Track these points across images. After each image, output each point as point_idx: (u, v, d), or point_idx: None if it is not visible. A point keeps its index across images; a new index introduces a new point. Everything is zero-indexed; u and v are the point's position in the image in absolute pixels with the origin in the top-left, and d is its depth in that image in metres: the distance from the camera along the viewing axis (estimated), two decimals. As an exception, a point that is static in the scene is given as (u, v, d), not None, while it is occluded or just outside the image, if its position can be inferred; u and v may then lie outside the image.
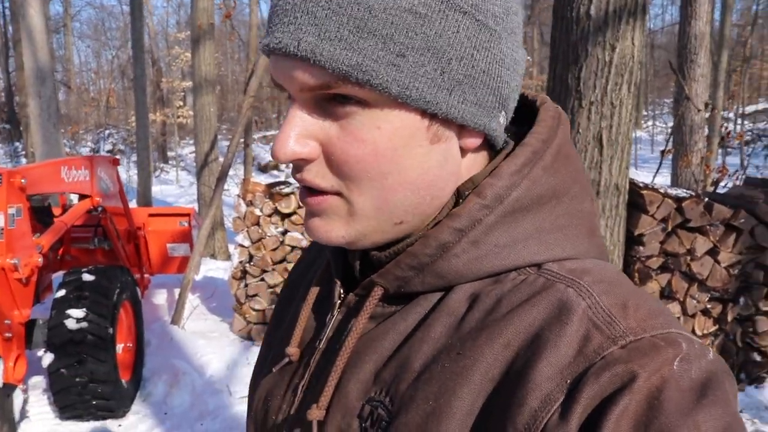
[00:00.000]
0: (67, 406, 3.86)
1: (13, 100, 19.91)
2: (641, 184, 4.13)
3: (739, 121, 16.97)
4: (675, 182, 7.18)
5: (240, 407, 4.15)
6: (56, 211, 4.76)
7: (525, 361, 0.52)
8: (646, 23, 4.14)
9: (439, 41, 0.53)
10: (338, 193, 0.59)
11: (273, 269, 5.06)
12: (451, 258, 0.58)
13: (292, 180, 9.49)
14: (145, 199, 10.30)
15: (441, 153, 0.58)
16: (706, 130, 7.36)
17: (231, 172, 8.20)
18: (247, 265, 5.13)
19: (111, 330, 3.91)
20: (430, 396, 0.55)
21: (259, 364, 0.81)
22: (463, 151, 0.60)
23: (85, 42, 36.02)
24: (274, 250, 5.04)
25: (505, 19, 0.58)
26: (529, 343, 0.52)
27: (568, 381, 0.49)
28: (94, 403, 3.86)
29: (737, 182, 6.28)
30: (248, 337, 5.19)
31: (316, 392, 0.65)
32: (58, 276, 5.05)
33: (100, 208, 4.72)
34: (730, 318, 4.26)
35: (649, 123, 26.03)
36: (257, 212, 5.04)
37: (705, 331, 4.22)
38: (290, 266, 5.01)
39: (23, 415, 3.96)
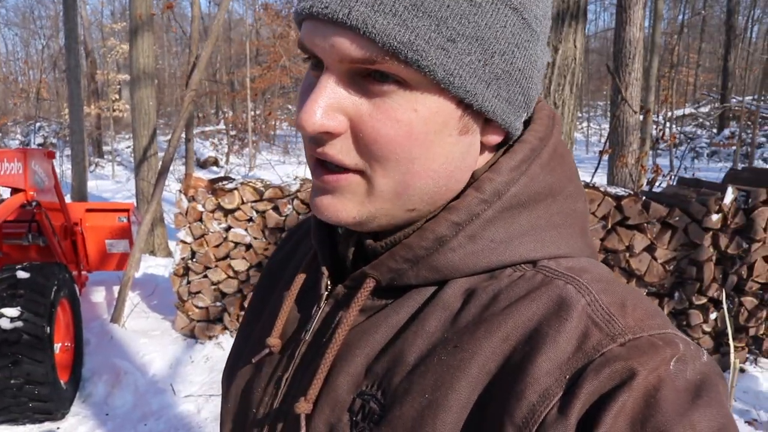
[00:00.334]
0: (1, 409, 3.69)
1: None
2: (582, 182, 4.25)
3: (669, 124, 17.68)
4: (611, 181, 7.43)
5: (184, 407, 4.07)
6: (-14, 205, 4.55)
7: (523, 355, 0.52)
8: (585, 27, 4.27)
9: (488, 32, 0.53)
10: (360, 172, 0.57)
11: (216, 266, 4.98)
12: (447, 252, 0.58)
13: (233, 175, 9.30)
14: (81, 194, 9.95)
15: (466, 145, 0.58)
16: (640, 132, 7.64)
17: (171, 168, 8.02)
18: (190, 261, 5.03)
19: (48, 329, 3.76)
20: (426, 389, 0.54)
21: (235, 354, 0.78)
22: (483, 146, 0.60)
23: (13, 30, 34.50)
24: (217, 246, 4.95)
25: (543, 22, 0.58)
26: (527, 337, 0.52)
27: (567, 376, 0.49)
28: (30, 405, 3.71)
29: (671, 182, 6.54)
30: (191, 335, 5.09)
31: (303, 385, 0.64)
32: (-11, 273, 4.83)
33: (34, 203, 4.53)
34: (666, 312, 4.44)
35: (584, 124, 26.81)
36: (200, 208, 4.94)
37: (641, 325, 4.38)
38: (234, 263, 4.94)
39: (-48, 419, 3.78)
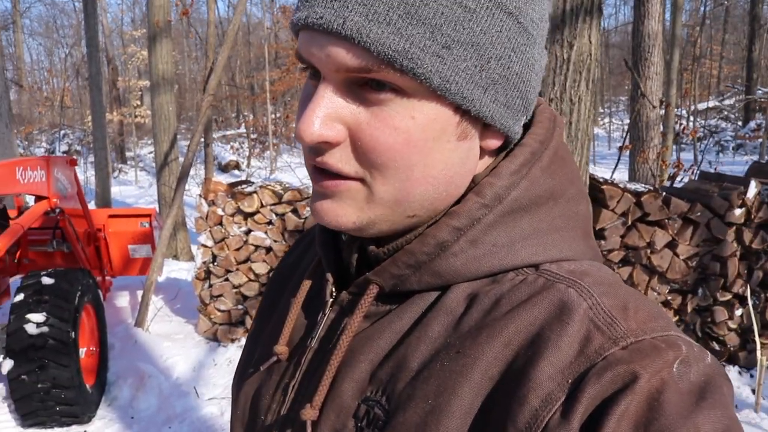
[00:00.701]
0: (29, 413, 3.76)
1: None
2: (601, 180, 4.22)
3: (692, 118, 17.44)
4: (632, 177, 7.35)
5: (208, 409, 4.11)
6: (11, 213, 4.64)
7: (526, 360, 0.51)
8: (602, 22, 4.23)
9: (483, 38, 0.53)
10: (360, 179, 0.57)
11: (237, 269, 5.02)
12: (449, 257, 0.58)
13: (253, 179, 9.39)
14: (104, 200, 10.10)
15: (465, 151, 0.58)
16: (662, 127, 7.55)
17: (191, 172, 8.10)
18: (211, 265, 5.08)
19: (73, 334, 3.82)
20: (429, 394, 0.54)
21: (244, 362, 0.79)
22: (483, 151, 0.60)
23: (37, 40, 35.11)
24: (237, 249, 4.99)
25: (540, 24, 0.58)
26: (529, 342, 0.52)
27: (570, 381, 0.49)
28: (57, 409, 3.77)
29: (692, 177, 6.46)
30: (214, 338, 5.14)
31: (309, 392, 0.64)
32: (15, 280, 4.92)
33: (57, 210, 4.61)
34: (689, 309, 4.38)
35: (606, 120, 26.56)
36: (219, 212, 4.98)
37: (664, 322, 4.33)
38: (254, 266, 4.97)
39: (-18, 423, 3.86)
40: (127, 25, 28.51)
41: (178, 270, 7.42)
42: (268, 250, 4.96)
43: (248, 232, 4.97)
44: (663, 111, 7.57)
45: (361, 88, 0.54)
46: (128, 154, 21.93)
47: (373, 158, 0.55)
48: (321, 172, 0.58)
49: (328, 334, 0.66)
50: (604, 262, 0.64)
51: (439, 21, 0.51)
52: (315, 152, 0.57)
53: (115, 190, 13.98)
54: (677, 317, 4.39)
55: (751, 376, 4.35)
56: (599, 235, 4.09)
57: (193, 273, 5.26)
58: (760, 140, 15.87)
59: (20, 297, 3.84)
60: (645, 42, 7.31)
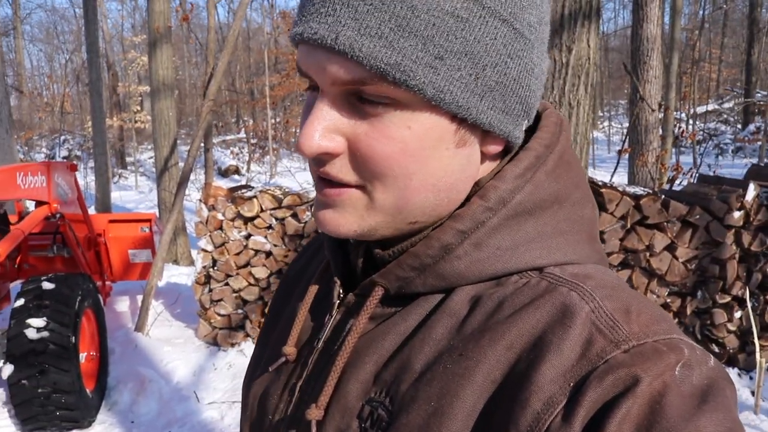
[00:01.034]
0: (29, 418, 3.77)
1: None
2: (600, 183, 4.23)
3: (691, 121, 17.46)
4: (632, 180, 7.36)
5: (208, 413, 4.11)
6: (12, 218, 4.65)
7: (528, 363, 0.52)
8: (600, 26, 4.25)
9: (477, 47, 0.53)
10: (361, 187, 0.58)
11: (237, 273, 5.02)
12: (453, 259, 0.59)
13: (253, 184, 9.39)
14: (105, 205, 10.11)
15: (465, 157, 0.58)
16: (661, 130, 7.56)
17: (192, 177, 8.11)
18: (211, 269, 5.08)
19: (73, 339, 3.83)
20: (432, 396, 0.55)
21: (254, 363, 0.80)
22: (483, 156, 0.61)
23: (37, 46, 35.19)
24: (237, 254, 5.00)
25: (538, 28, 0.58)
26: (531, 345, 0.53)
27: (571, 384, 0.49)
28: (58, 414, 3.77)
29: (691, 180, 6.47)
30: (214, 343, 5.14)
31: (315, 392, 0.65)
32: (15, 285, 4.93)
33: (58, 215, 4.62)
34: (688, 311, 4.39)
35: (605, 124, 26.58)
36: (220, 217, 4.99)
37: (664, 325, 4.34)
38: (254, 270, 4.98)
39: (-18, 428, 3.86)
40: (128, 30, 28.58)
41: (179, 275, 7.43)
42: (268, 254, 4.96)
43: (248, 236, 4.98)
44: (662, 114, 7.58)
45: (359, 100, 0.55)
46: (128, 159, 21.95)
47: (372, 168, 0.56)
48: (324, 182, 0.60)
49: (334, 336, 0.67)
50: (604, 265, 0.65)
51: (431, 32, 0.51)
52: (317, 163, 0.59)
53: (116, 195, 13.99)
54: (676, 320, 4.39)
55: (751, 378, 4.35)
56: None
57: (193, 277, 5.27)
58: (759, 143, 15.88)
59: (21, 302, 3.85)
60: (644, 46, 7.33)
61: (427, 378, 0.56)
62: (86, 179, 15.65)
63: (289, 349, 0.70)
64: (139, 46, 21.19)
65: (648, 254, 4.27)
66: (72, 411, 3.81)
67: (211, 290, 5.10)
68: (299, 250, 0.90)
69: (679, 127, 10.63)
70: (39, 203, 4.56)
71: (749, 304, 4.26)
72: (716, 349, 4.47)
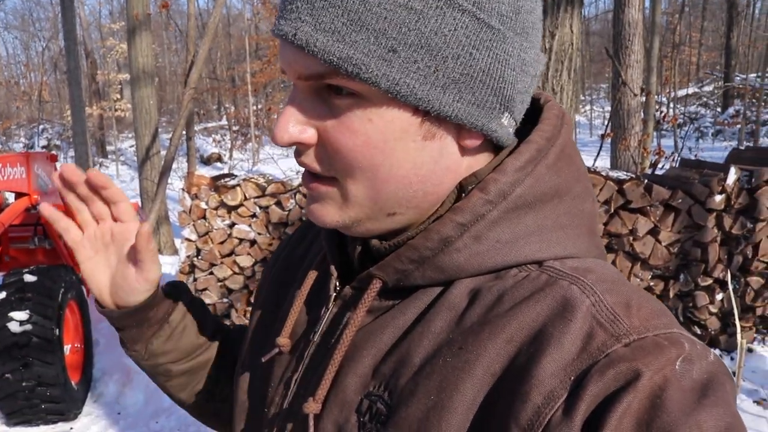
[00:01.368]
0: (14, 412, 3.74)
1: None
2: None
3: (672, 105, 17.58)
4: (614, 165, 7.40)
5: (194, 403, 4.11)
6: (-8, 210, 4.58)
7: (528, 357, 0.52)
8: (582, 10, 4.26)
9: (435, 38, 0.53)
10: (334, 179, 0.60)
11: (221, 263, 5.00)
12: (452, 252, 0.58)
13: (236, 171, 9.32)
14: (85, 195, 10.00)
15: (435, 150, 0.58)
16: (642, 114, 7.60)
17: (174, 166, 8.04)
18: (195, 259, 5.05)
19: (57, 331, 3.79)
20: (431, 390, 0.55)
21: (249, 350, 0.80)
22: (463, 150, 0.60)
23: (12, 33, 34.61)
24: (221, 243, 4.97)
25: (514, 18, 0.56)
26: (532, 339, 0.53)
27: (572, 378, 0.49)
28: (43, 407, 3.75)
29: (673, 164, 6.52)
30: (199, 333, 5.12)
31: (312, 386, 0.65)
32: (-4, 278, 4.87)
33: (39, 206, 4.56)
34: (671, 294, 4.44)
35: (587, 108, 26.70)
36: (203, 205, 4.96)
37: (647, 308, 4.39)
38: (239, 259, 4.96)
39: (-34, 423, 3.82)
40: (106, 17, 28.17)
41: (162, 264, 7.37)
42: (253, 243, 4.94)
43: (232, 225, 4.95)
44: (644, 98, 7.62)
45: (327, 93, 0.57)
46: (109, 148, 21.72)
47: (338, 159, 0.58)
48: (308, 176, 0.62)
49: (331, 329, 0.67)
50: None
51: (383, 25, 0.52)
52: (297, 153, 0.61)
53: (97, 185, 13.83)
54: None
55: (732, 359, 4.42)
56: (582, 223, 4.13)
57: (177, 267, 5.24)
58: (739, 126, 16.06)
59: (2, 295, 3.81)
60: (625, 30, 7.35)
61: (427, 371, 0.56)
62: (66, 169, 15.43)
63: (284, 341, 0.69)
64: (117, 34, 20.90)
65: (631, 238, 4.31)
66: (57, 404, 3.78)
67: (195, 280, 5.07)
68: (298, 230, 0.89)
69: (661, 111, 10.71)
70: (19, 195, 4.50)
71: (730, 287, 4.30)
72: (698, 331, 4.53)
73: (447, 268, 0.59)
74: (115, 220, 0.81)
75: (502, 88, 0.57)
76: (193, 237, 5.02)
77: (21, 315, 3.69)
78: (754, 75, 19.02)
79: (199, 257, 5.04)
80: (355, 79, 0.53)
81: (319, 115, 0.58)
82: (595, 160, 6.15)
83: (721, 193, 4.28)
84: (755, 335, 4.65)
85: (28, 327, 3.67)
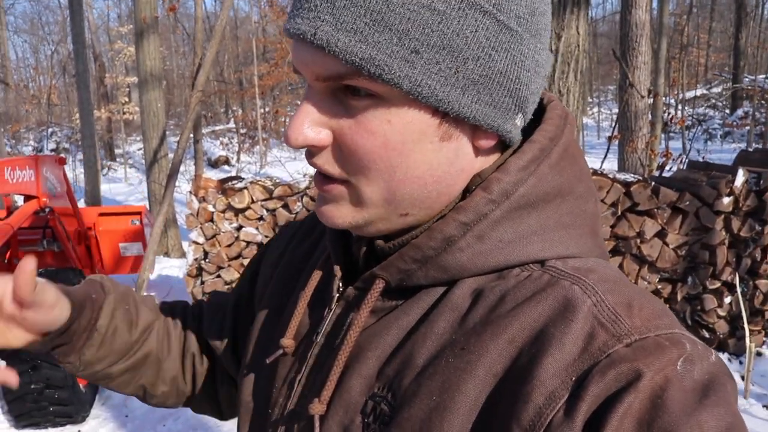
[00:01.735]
0: (22, 414, 3.76)
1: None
2: (591, 170, 4.24)
3: (680, 106, 17.51)
4: (622, 167, 7.38)
5: (202, 406, 4.12)
6: (0, 213, 4.61)
7: (530, 357, 0.52)
8: (589, 12, 4.24)
9: (456, 40, 0.53)
10: (347, 181, 0.59)
11: (229, 265, 5.01)
12: (455, 252, 0.58)
13: (244, 174, 9.34)
14: (94, 198, 10.05)
15: (452, 151, 0.58)
16: (650, 116, 7.58)
17: (181, 169, 8.07)
18: (203, 262, 5.07)
19: (65, 334, 3.81)
20: (433, 391, 0.55)
21: (252, 351, 0.79)
22: (477, 150, 0.60)
23: (22, 37, 34.83)
24: (229, 246, 4.99)
25: (530, 20, 0.56)
26: (533, 339, 0.53)
27: (573, 378, 0.49)
28: (51, 409, 3.77)
29: (681, 166, 6.49)
30: (207, 335, 5.13)
31: (317, 387, 0.65)
32: (5, 281, 4.89)
33: (47, 209, 4.58)
34: (679, 297, 4.42)
35: (595, 110, 26.62)
36: (210, 208, 4.98)
37: (655, 311, 4.37)
38: (246, 262, 4.96)
39: (-25, 425, 3.85)
40: (114, 21, 28.30)
41: (170, 267, 7.41)
42: (260, 245, 4.95)
43: (239, 228, 4.96)
44: (651, 100, 7.60)
45: (344, 93, 0.56)
46: (117, 151, 21.80)
47: (355, 161, 0.57)
48: (320, 177, 0.61)
49: (335, 330, 0.67)
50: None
51: (407, 26, 0.51)
52: (309, 155, 0.60)
53: (105, 188, 13.91)
54: (667, 306, 4.43)
55: (741, 362, 4.40)
56: (589, 225, 4.12)
57: (184, 270, 5.25)
58: (748, 128, 15.97)
59: (11, 298, 3.82)
60: (633, 31, 7.33)
61: (429, 372, 0.56)
62: (75, 172, 15.54)
63: (288, 341, 0.70)
64: (125, 37, 20.99)
65: (639, 241, 4.29)
66: (65, 406, 3.80)
67: (203, 282, 5.09)
68: (295, 224, 0.89)
69: (668, 113, 10.67)
70: (28, 197, 4.52)
71: (739, 290, 4.29)
72: (707, 335, 4.51)
73: (450, 267, 0.59)
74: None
75: (518, 89, 0.57)
76: (201, 240, 5.03)
77: (29, 318, 3.71)
78: (763, 76, 18.91)
79: (207, 260, 5.05)
80: (376, 80, 0.53)
81: (335, 115, 0.57)
82: (602, 162, 6.13)
83: (729, 195, 4.26)
84: (764, 339, 4.62)
85: (37, 329, 3.69)
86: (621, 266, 4.27)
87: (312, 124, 0.57)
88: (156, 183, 8.17)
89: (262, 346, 0.78)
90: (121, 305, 0.89)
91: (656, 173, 6.50)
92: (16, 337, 0.77)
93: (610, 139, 6.25)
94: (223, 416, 1.02)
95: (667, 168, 6.40)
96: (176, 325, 0.98)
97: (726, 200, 4.25)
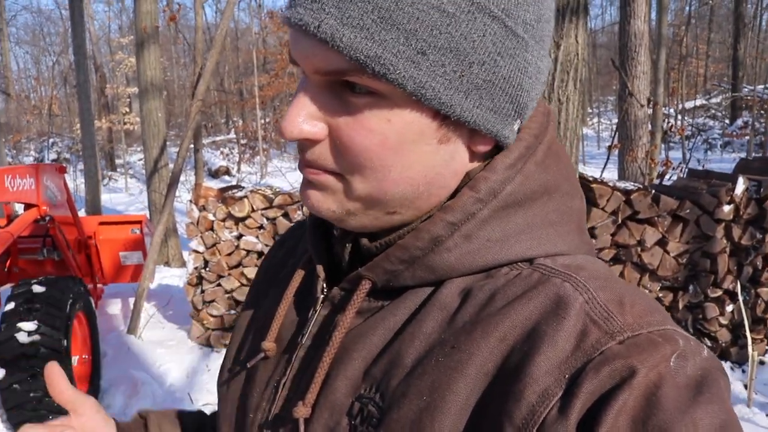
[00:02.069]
0: (21, 422, 3.74)
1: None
2: (591, 178, 4.24)
3: (679, 116, 17.54)
4: (622, 176, 7.39)
5: (201, 415, 4.10)
6: (0, 222, 4.61)
7: (522, 355, 0.51)
8: (588, 22, 4.27)
9: (464, 43, 0.52)
10: (339, 175, 0.58)
11: (229, 274, 5.01)
12: (443, 252, 0.58)
13: (244, 184, 9.36)
14: (94, 207, 10.05)
15: (448, 153, 0.57)
16: (650, 125, 7.59)
17: (182, 178, 8.08)
18: (203, 270, 5.06)
19: (65, 342, 3.80)
20: (423, 391, 0.54)
21: (231, 357, 0.78)
22: (473, 154, 0.59)
23: (23, 48, 34.97)
24: (229, 254, 4.98)
25: (536, 26, 0.56)
26: (525, 337, 0.52)
27: (567, 376, 0.49)
28: (50, 418, 3.74)
29: (681, 175, 6.50)
30: (207, 344, 5.12)
31: (301, 389, 0.63)
32: (5, 289, 4.88)
33: (47, 218, 4.58)
34: (680, 306, 4.41)
35: (595, 120, 26.68)
36: (210, 217, 4.98)
37: (656, 319, 4.36)
38: (246, 271, 4.96)
39: (-26, 434, 3.83)
40: (115, 32, 28.40)
41: (170, 276, 7.40)
42: (260, 254, 4.95)
43: (239, 236, 4.96)
44: (651, 110, 7.62)
45: (342, 89, 0.55)
46: (118, 161, 21.84)
47: (350, 159, 0.56)
48: (306, 161, 0.60)
49: (320, 331, 0.66)
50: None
51: (415, 26, 0.50)
52: (300, 148, 0.59)
53: (105, 198, 13.92)
54: (669, 314, 4.42)
55: (743, 371, 4.38)
56: (590, 233, 4.11)
57: (184, 279, 5.25)
58: (747, 138, 16.00)
59: (11, 306, 3.81)
60: (632, 42, 7.36)
61: (418, 372, 0.55)
62: (76, 182, 15.55)
63: (269, 345, 0.68)
64: (126, 48, 21.07)
65: (639, 249, 4.28)
66: (65, 415, 3.77)
67: (203, 291, 5.08)
68: (277, 241, 0.88)
69: (668, 123, 10.68)
70: (28, 206, 4.52)
71: (741, 298, 4.28)
72: (709, 343, 4.49)
73: (437, 267, 0.58)
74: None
75: (519, 95, 0.57)
76: (201, 249, 5.03)
77: (29, 326, 3.70)
78: (762, 86, 18.97)
79: (207, 269, 5.04)
80: (381, 79, 0.52)
81: (332, 110, 0.56)
82: (602, 171, 6.13)
83: (729, 203, 4.26)
84: (767, 347, 4.60)
85: (37, 338, 3.68)
86: (622, 274, 4.26)
87: (308, 117, 0.56)
88: (156, 192, 8.18)
89: (241, 350, 0.76)
90: (165, 418, 0.90)
91: (656, 182, 6.50)
92: None
93: (609, 148, 6.26)
94: None
95: (667, 177, 6.41)
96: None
97: (726, 208, 4.25)
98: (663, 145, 9.69)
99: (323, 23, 0.51)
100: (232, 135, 21.86)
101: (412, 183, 0.57)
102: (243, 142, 20.52)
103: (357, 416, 0.58)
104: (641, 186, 4.39)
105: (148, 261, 5.44)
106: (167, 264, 8.17)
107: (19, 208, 4.97)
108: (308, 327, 0.67)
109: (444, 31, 0.51)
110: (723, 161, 15.11)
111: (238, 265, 5.01)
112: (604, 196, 4.13)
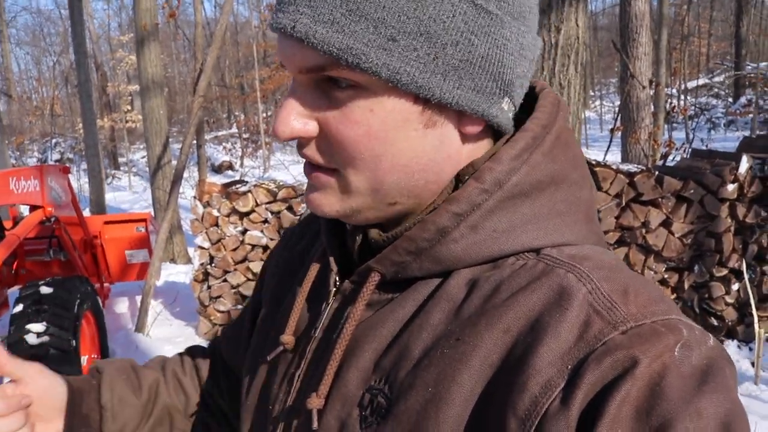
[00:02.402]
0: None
1: (-49, 114, 19.17)
2: (594, 162, 4.23)
3: (682, 96, 17.45)
4: (625, 158, 7.36)
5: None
6: (6, 224, 4.63)
7: (525, 346, 0.51)
8: (588, 5, 4.24)
9: (433, 26, 0.53)
10: (335, 171, 0.60)
11: (235, 269, 5.02)
12: (449, 243, 0.58)
13: (248, 178, 9.37)
14: (99, 207, 10.07)
15: (437, 137, 0.58)
16: (652, 107, 7.55)
17: (185, 175, 8.10)
18: (209, 266, 5.08)
19: (74, 342, 3.82)
20: (429, 382, 0.55)
21: (254, 350, 0.80)
22: (464, 137, 0.60)
23: (24, 49, 35.00)
24: (234, 250, 5.00)
25: (511, 2, 0.56)
26: (529, 328, 0.52)
27: (569, 366, 0.49)
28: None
29: (684, 155, 6.47)
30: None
31: (315, 381, 0.65)
32: (13, 291, 4.92)
33: (53, 219, 4.60)
34: (686, 286, 4.41)
35: (597, 103, 26.55)
36: (215, 213, 4.99)
37: (662, 301, 4.36)
38: (252, 265, 4.98)
39: (-12, 435, 3.86)
40: (115, 30, 28.38)
41: (176, 273, 7.42)
42: (265, 248, 4.96)
43: (244, 231, 4.97)
44: (653, 91, 7.57)
45: (327, 86, 0.57)
46: (121, 159, 21.87)
47: (340, 151, 0.58)
48: (309, 166, 0.62)
49: (332, 324, 0.67)
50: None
51: (382, 14, 0.52)
52: (299, 145, 0.61)
53: (110, 197, 13.95)
54: (674, 295, 4.41)
55: (750, 349, 4.38)
56: (594, 217, 4.11)
57: (191, 275, 5.27)
58: (751, 116, 15.90)
59: (19, 307, 3.84)
60: (633, 23, 7.31)
61: (425, 364, 0.56)
62: (79, 181, 15.58)
63: (287, 338, 0.70)
64: (126, 45, 21.06)
65: (644, 231, 4.28)
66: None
67: (209, 287, 5.10)
68: (292, 229, 0.90)
69: (671, 103, 10.63)
70: (33, 208, 4.54)
71: (746, 276, 4.28)
72: (715, 323, 4.49)
73: (444, 258, 0.59)
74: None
75: (502, 73, 0.57)
76: (206, 245, 5.04)
77: (38, 327, 3.72)
78: (766, 63, 18.83)
79: (213, 265, 5.06)
80: (355, 70, 0.53)
81: (320, 107, 0.58)
82: (605, 154, 6.12)
83: (733, 182, 4.25)
84: (773, 325, 4.60)
85: (46, 339, 3.70)
86: (627, 257, 4.26)
87: (298, 116, 0.58)
88: (160, 190, 8.19)
89: (263, 344, 0.78)
90: (119, 376, 0.92)
91: (659, 163, 6.48)
92: None
93: (612, 131, 6.25)
94: None
95: (671, 158, 6.39)
96: (185, 372, 0.99)
97: (730, 187, 4.24)
98: (666, 126, 9.64)
99: (298, 23, 0.53)
100: (235, 130, 21.85)
101: (406, 171, 0.58)
102: (245, 136, 20.51)
103: (367, 407, 0.59)
104: (644, 168, 4.38)
105: (154, 258, 5.46)
106: (173, 261, 8.19)
107: (24, 209, 4.99)
108: (321, 320, 0.69)
109: (412, 15, 0.52)
110: (727, 140, 15.02)
111: (244, 260, 5.02)
112: (608, 179, 4.12)
